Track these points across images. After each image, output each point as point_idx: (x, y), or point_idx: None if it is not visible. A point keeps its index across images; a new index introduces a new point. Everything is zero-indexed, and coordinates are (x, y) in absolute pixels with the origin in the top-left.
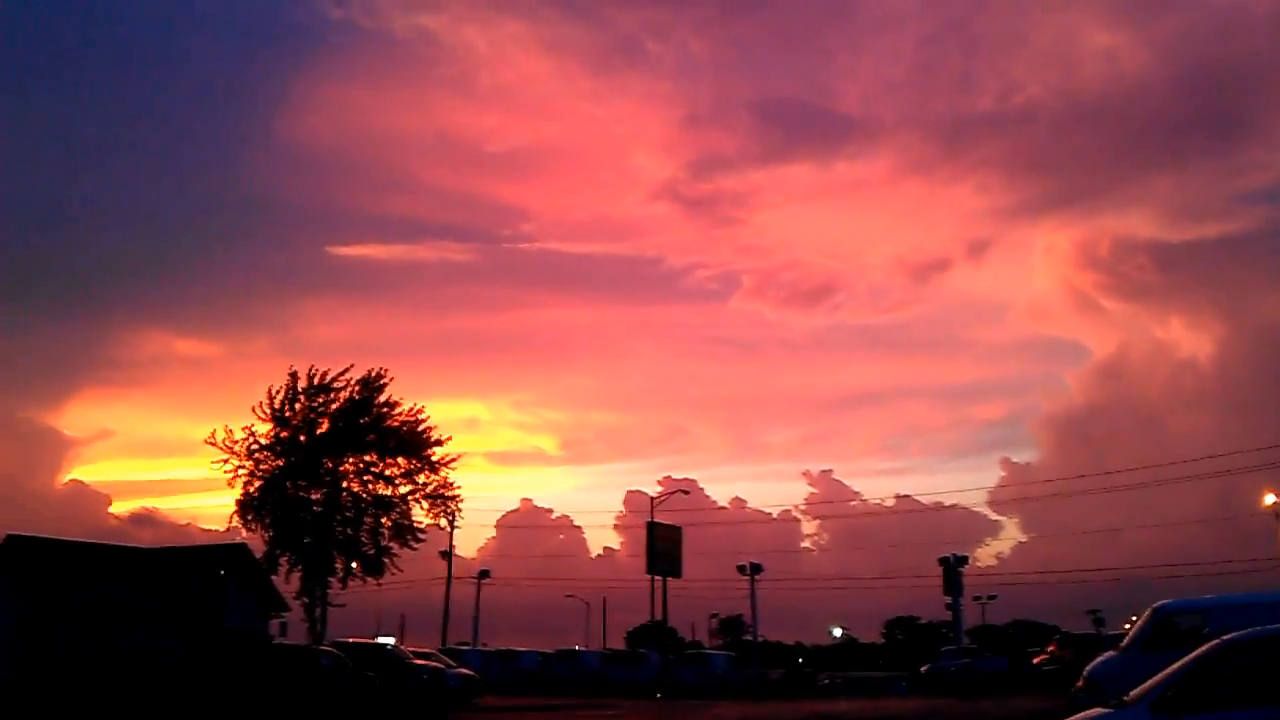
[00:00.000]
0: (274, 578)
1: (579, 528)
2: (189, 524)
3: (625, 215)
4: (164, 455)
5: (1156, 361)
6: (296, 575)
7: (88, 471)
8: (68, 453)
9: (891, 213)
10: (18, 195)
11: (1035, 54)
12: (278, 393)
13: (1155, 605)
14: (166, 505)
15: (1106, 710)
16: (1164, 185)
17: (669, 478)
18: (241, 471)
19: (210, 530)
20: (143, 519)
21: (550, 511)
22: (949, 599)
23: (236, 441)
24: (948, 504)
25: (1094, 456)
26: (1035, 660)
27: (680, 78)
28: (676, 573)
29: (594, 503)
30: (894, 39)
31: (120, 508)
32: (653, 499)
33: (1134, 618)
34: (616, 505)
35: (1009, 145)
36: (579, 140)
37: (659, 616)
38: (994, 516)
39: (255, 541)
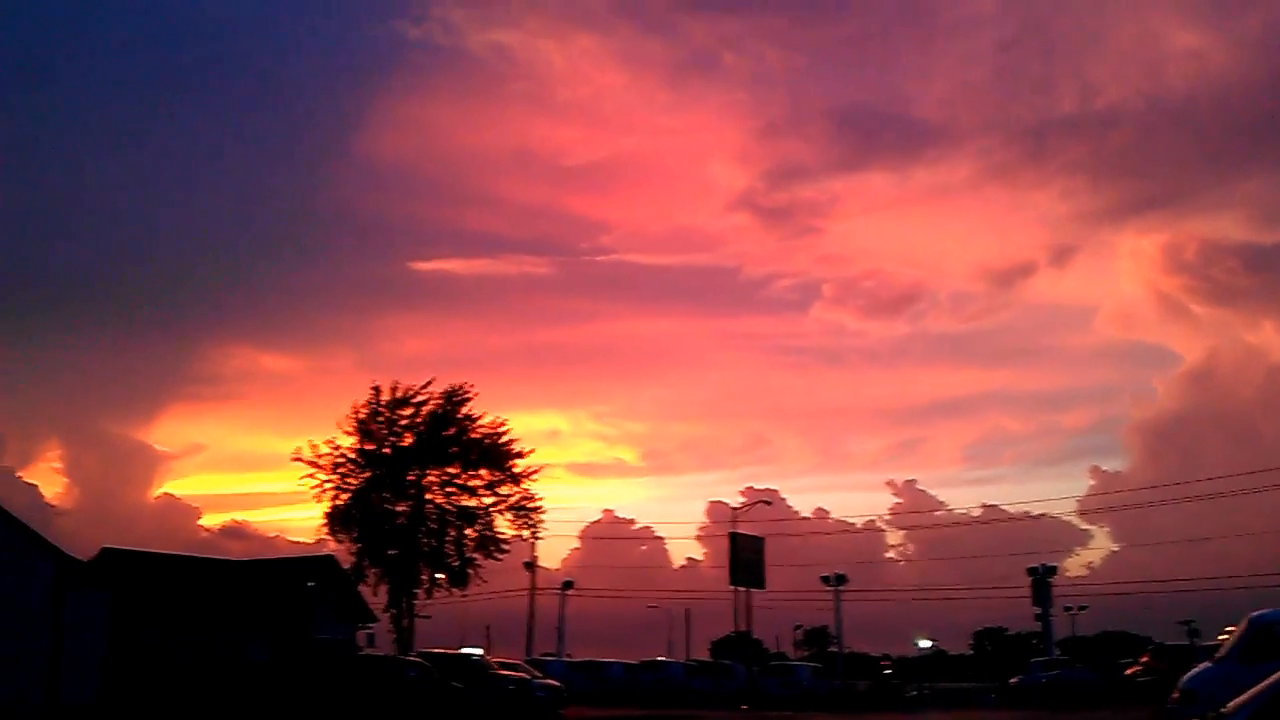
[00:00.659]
0: (361, 589)
1: (661, 538)
2: (277, 536)
3: (703, 226)
4: (252, 469)
5: (1248, 366)
6: (384, 587)
7: (179, 485)
8: (159, 467)
9: (973, 219)
10: (108, 214)
11: (1117, 55)
12: (361, 407)
13: (1252, 615)
14: (256, 518)
15: None
16: (1253, 186)
17: (751, 488)
18: (328, 485)
19: (299, 542)
20: (233, 531)
21: (632, 522)
22: (1038, 610)
23: (322, 456)
24: (1035, 513)
25: (1185, 464)
26: (1128, 672)
27: (756, 87)
28: (760, 584)
29: (675, 513)
30: (972, 42)
31: (211, 520)
32: (734, 510)
33: (1229, 628)
34: (698, 516)
35: (1093, 148)
36: (655, 152)
37: (743, 628)
38: (1083, 526)
39: (343, 553)
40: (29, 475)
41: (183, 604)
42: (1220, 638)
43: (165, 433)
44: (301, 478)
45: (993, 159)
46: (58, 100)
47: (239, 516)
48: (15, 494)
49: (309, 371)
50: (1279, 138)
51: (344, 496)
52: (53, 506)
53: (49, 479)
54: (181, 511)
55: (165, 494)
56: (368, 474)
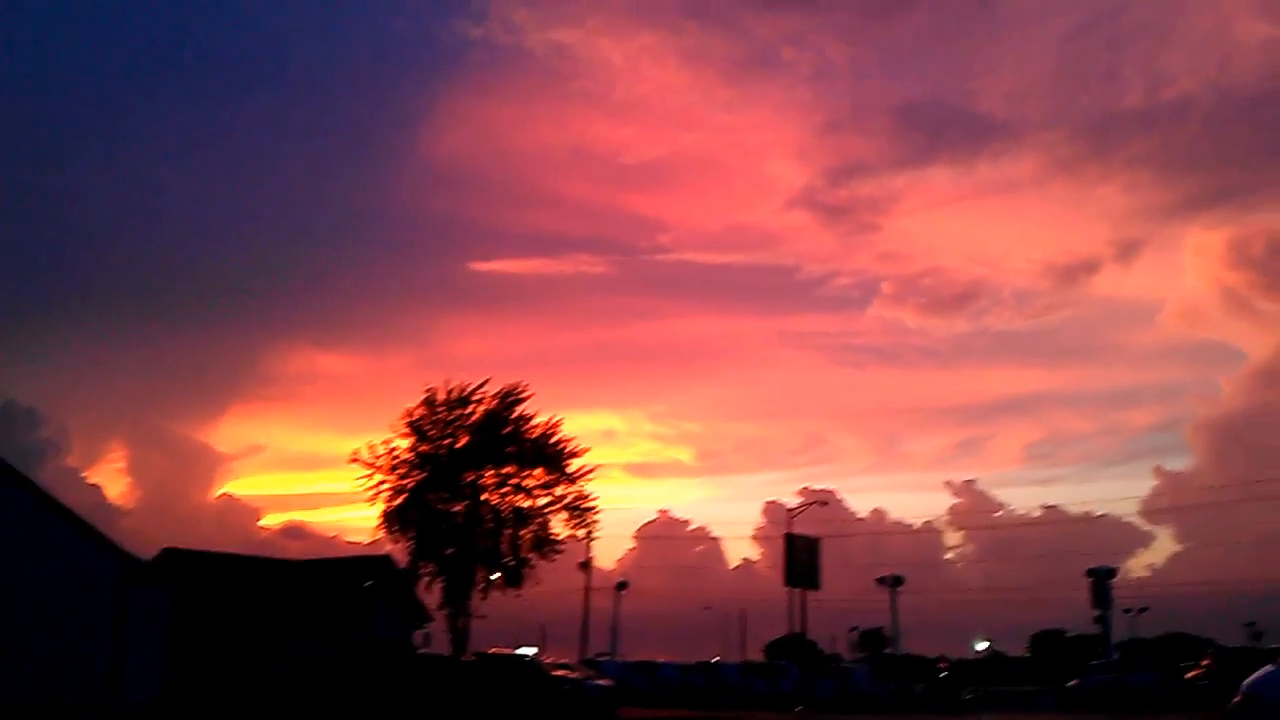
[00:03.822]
0: (417, 589)
1: (716, 539)
2: (336, 536)
3: (762, 224)
4: (312, 469)
5: None
6: (439, 586)
7: (239, 485)
8: (220, 468)
9: (1037, 215)
10: (171, 216)
11: (1186, 46)
12: (416, 408)
13: None
14: (315, 518)
15: None
16: None
17: (808, 488)
18: (384, 486)
19: (356, 542)
20: (292, 531)
21: (688, 523)
22: (1097, 611)
23: (379, 457)
24: (1097, 514)
25: (1251, 463)
26: (1189, 675)
27: (817, 84)
28: (815, 585)
29: (732, 514)
30: (1037, 35)
31: (270, 521)
32: (790, 510)
33: None
34: (754, 516)
35: (1160, 142)
36: (715, 150)
37: (798, 629)
38: (1146, 526)
39: (399, 553)
40: (93, 476)
41: (242, 603)
42: None
43: (226, 433)
44: (358, 479)
45: (1058, 153)
46: (122, 103)
47: (298, 516)
48: (80, 494)
49: (369, 371)
50: None
51: (400, 497)
52: (116, 507)
53: (112, 479)
54: (241, 511)
55: (225, 494)
56: (423, 474)
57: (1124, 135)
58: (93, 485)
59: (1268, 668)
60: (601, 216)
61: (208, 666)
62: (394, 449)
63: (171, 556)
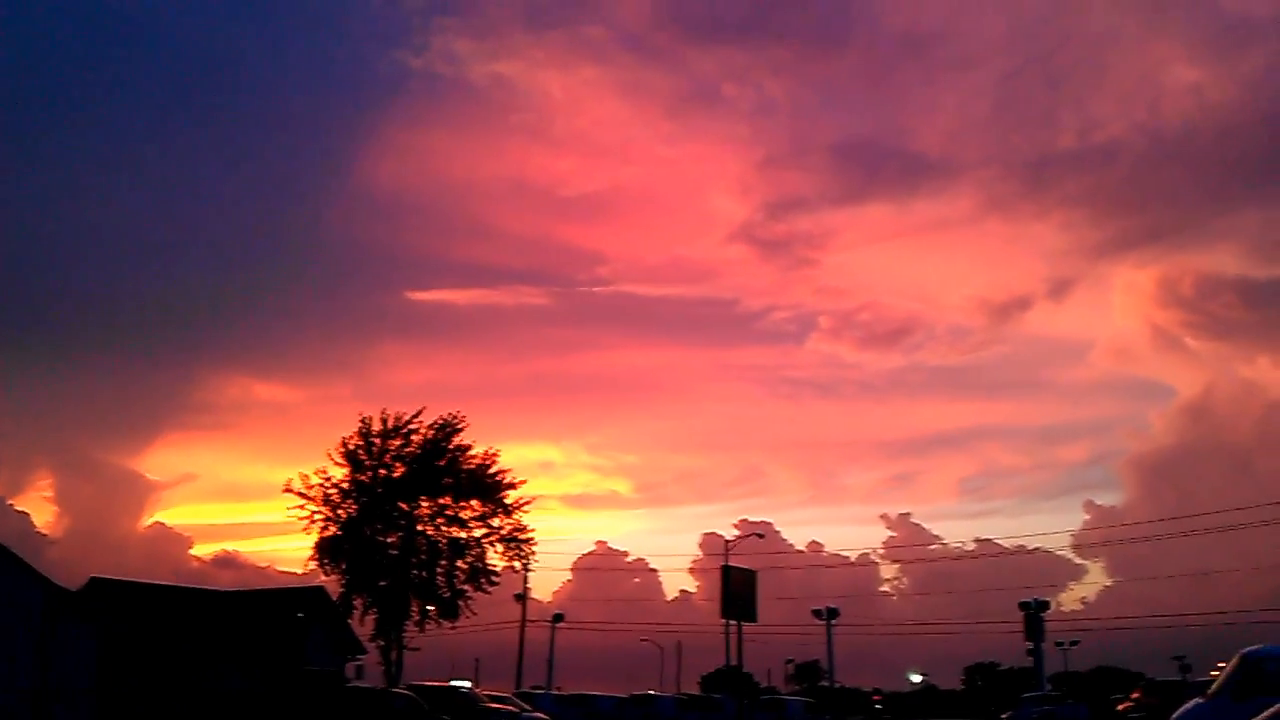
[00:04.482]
0: (350, 620)
1: (654, 570)
2: (269, 566)
3: (701, 257)
4: (245, 499)
5: (1244, 401)
6: (372, 618)
7: (170, 514)
8: (150, 496)
9: (971, 252)
10: (101, 239)
11: (1118, 90)
12: (350, 437)
13: (1244, 651)
14: (247, 548)
15: None
16: (1250, 221)
17: (745, 520)
18: (318, 517)
19: (290, 573)
20: (224, 561)
21: (625, 554)
22: (1030, 644)
23: (313, 487)
24: (1030, 547)
25: (1181, 498)
26: (1120, 707)
27: (757, 120)
28: (751, 617)
29: (670, 545)
30: (974, 76)
31: (202, 550)
32: (727, 542)
33: (1221, 664)
34: (692, 548)
35: (1092, 182)
36: (655, 183)
37: (734, 661)
38: (1078, 560)
39: (333, 585)
40: (19, 503)
41: (171, 634)
42: (1212, 674)
43: (157, 462)
44: (290, 509)
45: (992, 192)
46: (54, 126)
47: (230, 546)
48: (5, 522)
49: (304, 401)
50: (1276, 172)
51: (333, 528)
52: (43, 535)
53: (39, 507)
54: (173, 541)
55: (157, 523)
56: (357, 505)
57: (1057, 175)
58: (19, 513)
59: (1196, 700)
60: (541, 248)
61: (136, 698)
62: (328, 479)
63: (99, 586)
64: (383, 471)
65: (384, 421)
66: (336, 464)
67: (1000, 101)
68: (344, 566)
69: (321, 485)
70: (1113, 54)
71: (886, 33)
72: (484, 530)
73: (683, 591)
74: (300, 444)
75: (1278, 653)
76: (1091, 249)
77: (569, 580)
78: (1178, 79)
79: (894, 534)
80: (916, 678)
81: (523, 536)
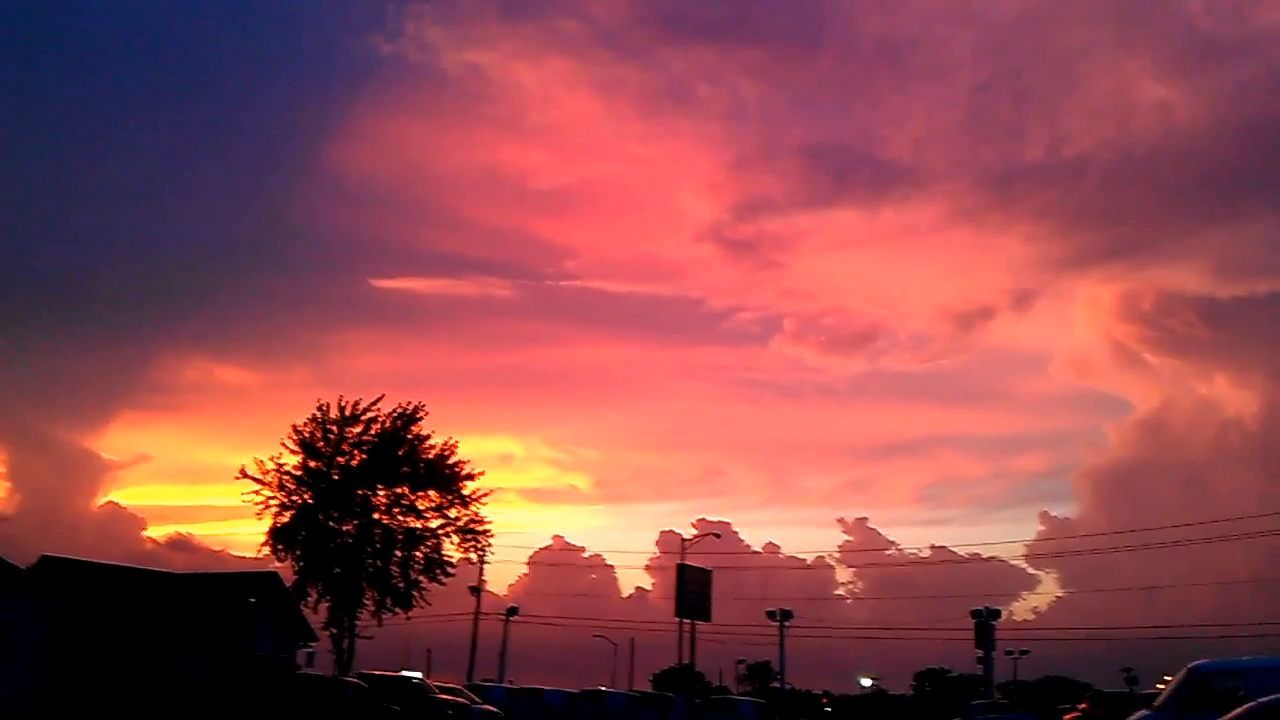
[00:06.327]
0: (303, 607)
1: (611, 567)
2: (223, 550)
3: (669, 256)
4: (201, 481)
5: (1200, 418)
6: (325, 606)
7: (125, 495)
8: (105, 476)
9: (937, 261)
10: (59, 219)
11: (1088, 105)
12: (305, 424)
13: (1191, 665)
14: (202, 531)
15: None
16: (1215, 240)
17: (703, 520)
18: (272, 503)
19: (244, 557)
20: (178, 544)
21: (582, 550)
22: (980, 652)
23: (268, 473)
24: (985, 556)
25: (1135, 512)
26: (1066, 718)
27: (729, 121)
28: (705, 616)
29: (627, 542)
30: (945, 87)
31: (156, 532)
32: (684, 541)
33: (1168, 677)
34: (649, 545)
35: (1059, 196)
36: (625, 180)
37: (687, 660)
38: (1032, 570)
39: (286, 571)
40: None
41: (122, 615)
42: (1159, 686)
43: (113, 441)
44: (245, 494)
45: (960, 202)
46: (14, 109)
47: (185, 529)
48: None
49: (264, 385)
50: (1240, 192)
51: (288, 514)
52: None
53: None
54: (126, 521)
55: (110, 503)
56: (312, 492)
57: (1025, 188)
58: None
59: (1142, 712)
60: (508, 240)
61: (84, 677)
62: (282, 465)
63: (50, 565)
64: (340, 459)
65: (341, 409)
66: (290, 450)
67: (971, 112)
68: (298, 553)
69: (276, 471)
70: (1084, 69)
71: (860, 39)
72: (440, 521)
73: (638, 589)
74: (257, 428)
75: (1224, 667)
76: (1055, 262)
77: (525, 574)
78: (1147, 96)
79: (850, 538)
80: (867, 681)
81: (479, 528)
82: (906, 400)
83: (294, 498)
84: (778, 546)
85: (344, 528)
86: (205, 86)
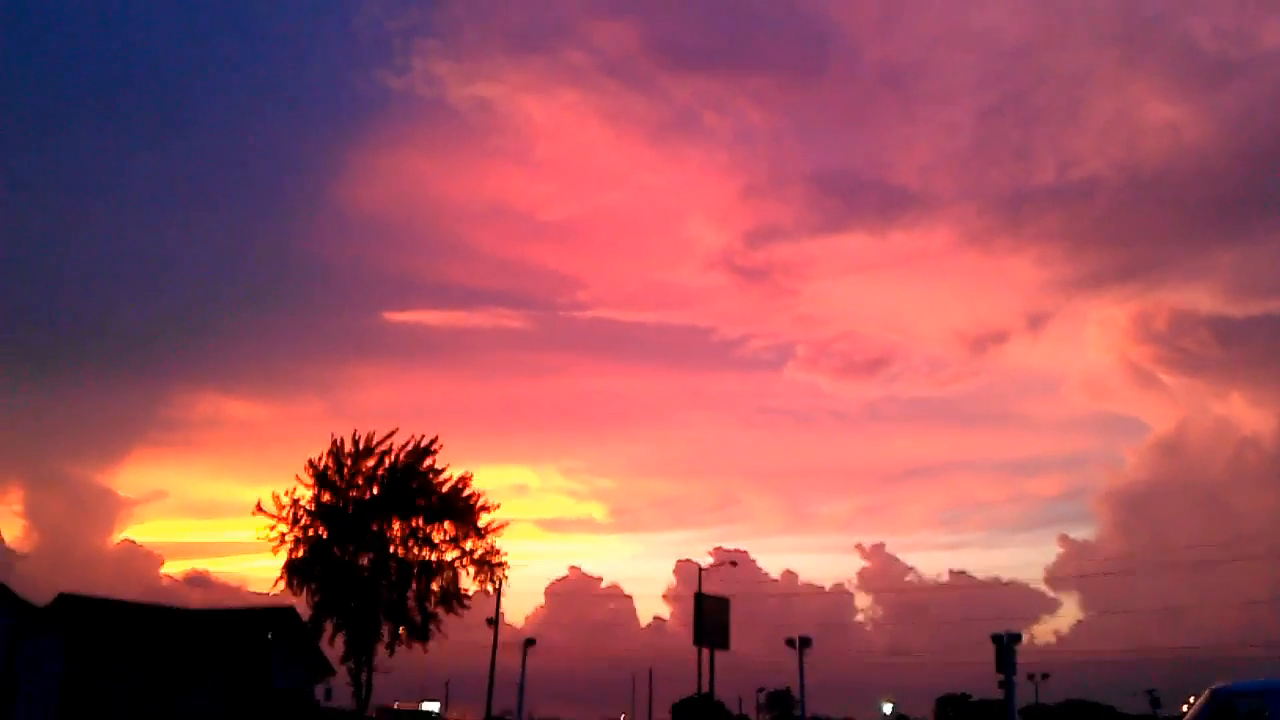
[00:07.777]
0: (320, 641)
1: (628, 596)
2: (240, 585)
3: (680, 284)
4: (217, 516)
5: (1218, 438)
6: (342, 639)
7: (140, 531)
8: (121, 512)
9: (948, 284)
10: (75, 256)
11: (1096, 127)
12: (320, 457)
13: (1214, 687)
14: (218, 566)
15: None
16: (1227, 259)
17: (720, 548)
18: (288, 538)
19: (260, 593)
20: (195, 580)
21: (599, 580)
22: (1000, 676)
23: (283, 507)
24: (1004, 580)
25: (1154, 534)
26: None
27: (738, 149)
28: (724, 644)
29: (644, 571)
30: (953, 112)
31: (173, 568)
32: (701, 570)
33: (1191, 699)
34: (667, 574)
35: (1069, 218)
36: (635, 209)
37: (706, 689)
38: (1051, 593)
39: (303, 605)
40: None
41: (139, 652)
42: (1183, 708)
43: (128, 478)
44: (260, 532)
45: (970, 226)
46: (29, 145)
47: (201, 565)
48: None
49: (277, 419)
50: (1251, 211)
51: (303, 548)
52: (12, 550)
53: (9, 522)
54: (142, 558)
55: (126, 540)
56: (328, 525)
57: (1034, 211)
58: None
59: None
60: (519, 271)
61: (102, 714)
62: (297, 500)
63: (67, 603)
64: (354, 492)
65: (355, 442)
66: (305, 484)
67: (979, 136)
68: (314, 587)
69: (291, 506)
70: (1091, 91)
71: (866, 66)
72: (456, 553)
73: (657, 618)
74: (272, 462)
75: (1248, 689)
76: (1067, 284)
77: (542, 605)
78: (1155, 117)
79: (868, 564)
80: (887, 708)
81: (495, 560)
82: (921, 425)
83: (309, 531)
84: (795, 574)
85: (360, 561)
86: (216, 124)
